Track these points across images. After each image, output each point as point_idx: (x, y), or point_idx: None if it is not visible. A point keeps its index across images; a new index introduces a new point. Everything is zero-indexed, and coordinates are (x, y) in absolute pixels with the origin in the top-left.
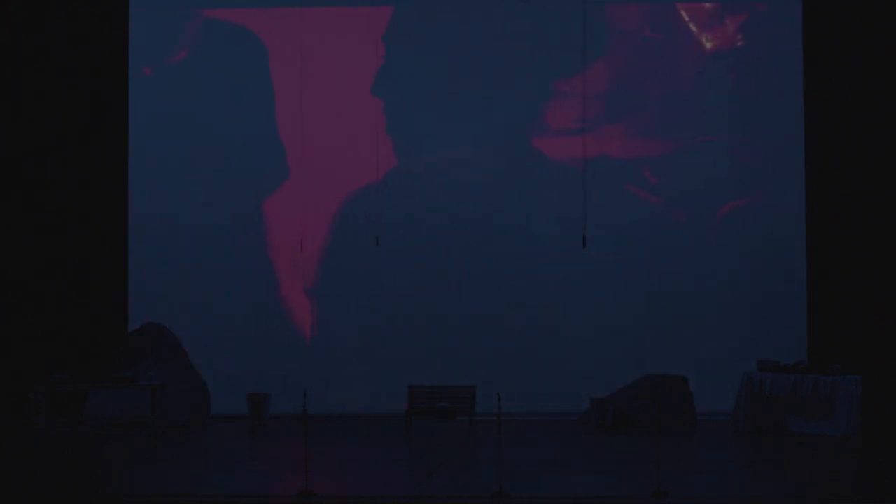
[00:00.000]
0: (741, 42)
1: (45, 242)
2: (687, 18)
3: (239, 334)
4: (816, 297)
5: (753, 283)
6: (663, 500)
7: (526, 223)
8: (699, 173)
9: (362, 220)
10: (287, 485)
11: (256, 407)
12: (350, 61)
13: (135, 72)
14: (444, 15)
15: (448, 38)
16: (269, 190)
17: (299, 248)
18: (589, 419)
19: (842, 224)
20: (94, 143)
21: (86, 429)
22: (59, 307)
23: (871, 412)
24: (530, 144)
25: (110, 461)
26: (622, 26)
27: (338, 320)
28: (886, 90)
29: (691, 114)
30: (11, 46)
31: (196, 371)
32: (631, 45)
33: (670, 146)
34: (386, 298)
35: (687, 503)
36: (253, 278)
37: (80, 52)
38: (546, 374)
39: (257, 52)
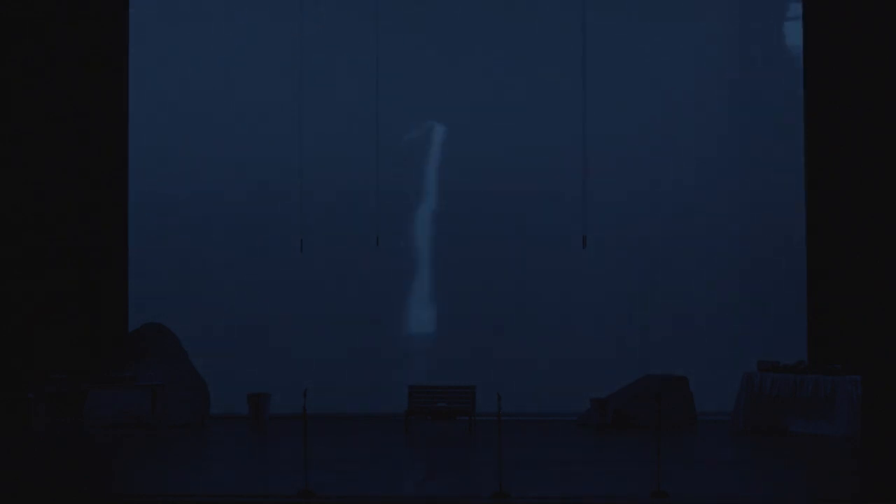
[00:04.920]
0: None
1: (45, 242)
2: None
3: (239, 334)
4: (816, 297)
5: (753, 283)
6: (663, 500)
7: (526, 223)
8: (700, 174)
9: (362, 220)
10: (287, 485)
11: (256, 407)
12: (349, 54)
13: (135, 69)
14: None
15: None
16: (268, 190)
17: (299, 248)
18: (589, 419)
19: (842, 224)
20: (95, 143)
21: (86, 429)
22: (59, 307)
23: (871, 412)
24: (530, 145)
25: (110, 461)
26: (621, 25)
27: (338, 320)
28: (886, 90)
29: (692, 116)
30: (9, 43)
31: (196, 371)
32: (631, 43)
33: (671, 147)
34: (386, 298)
35: (687, 503)
36: (253, 278)
37: (79, 53)
38: (546, 374)
39: (257, 47)
